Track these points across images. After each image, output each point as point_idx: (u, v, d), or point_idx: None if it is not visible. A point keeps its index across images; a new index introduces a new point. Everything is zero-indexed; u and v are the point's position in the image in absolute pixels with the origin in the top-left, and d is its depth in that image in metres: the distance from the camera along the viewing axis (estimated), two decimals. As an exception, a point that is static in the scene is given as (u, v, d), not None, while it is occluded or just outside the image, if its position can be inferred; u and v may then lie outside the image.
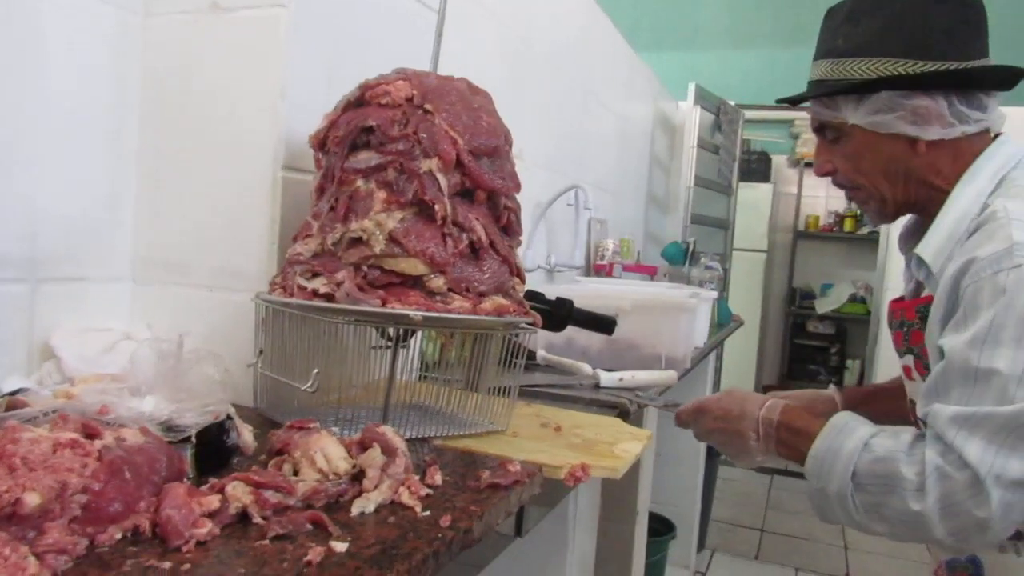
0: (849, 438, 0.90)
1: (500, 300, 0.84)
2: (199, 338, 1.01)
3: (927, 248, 0.94)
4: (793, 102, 1.06)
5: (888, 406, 1.19)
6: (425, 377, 1.15)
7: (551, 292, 1.75)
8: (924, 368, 0.97)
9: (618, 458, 0.90)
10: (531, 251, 2.12)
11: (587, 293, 1.70)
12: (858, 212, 5.32)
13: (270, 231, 0.97)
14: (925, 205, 0.99)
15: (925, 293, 0.98)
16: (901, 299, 1.07)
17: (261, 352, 0.90)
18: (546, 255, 2.28)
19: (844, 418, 0.94)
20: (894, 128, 0.95)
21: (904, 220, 1.09)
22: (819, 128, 1.03)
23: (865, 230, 5.23)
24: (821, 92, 0.99)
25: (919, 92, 0.93)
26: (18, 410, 0.64)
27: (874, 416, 0.98)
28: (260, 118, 0.97)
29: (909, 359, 1.02)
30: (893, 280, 3.93)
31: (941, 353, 0.87)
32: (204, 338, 1.01)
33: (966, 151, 0.96)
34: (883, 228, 4.11)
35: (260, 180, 0.97)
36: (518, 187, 0.90)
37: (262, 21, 0.96)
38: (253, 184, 0.98)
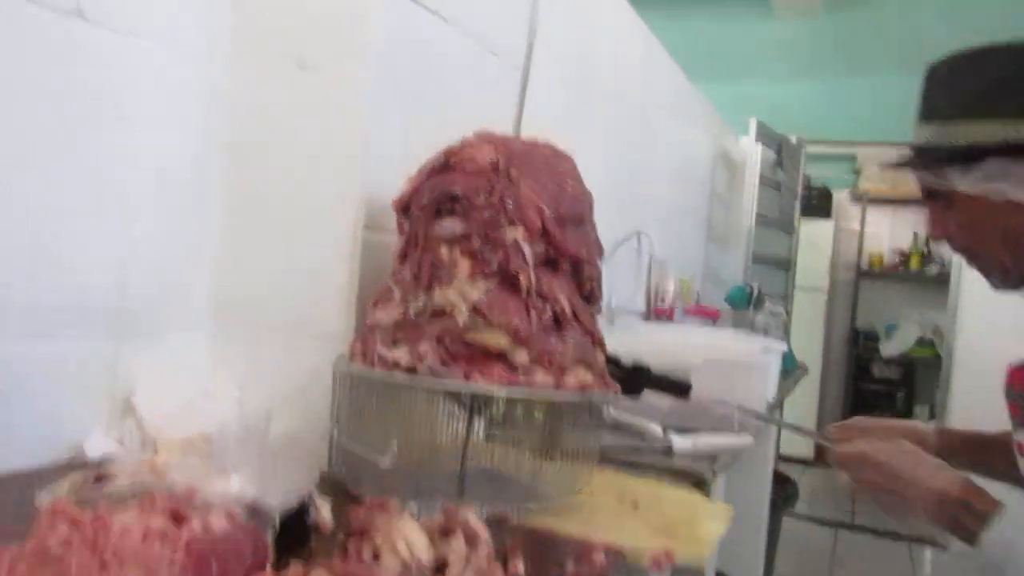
0: None
1: (583, 375, 0.81)
2: (273, 392, 1.01)
3: None
4: (898, 167, 1.00)
5: (989, 460, 1.10)
6: (490, 435, 1.12)
7: (617, 343, 1.71)
8: None
9: (701, 542, 0.85)
10: (593, 295, 2.08)
11: (655, 347, 1.65)
12: (924, 250, 5.14)
13: (349, 289, 0.97)
14: None
15: None
16: (1019, 367, 0.99)
17: (339, 418, 0.88)
18: (607, 298, 2.25)
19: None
20: (1008, 195, 0.88)
21: None
22: (928, 194, 0.97)
23: (933, 269, 5.04)
24: (925, 160, 0.93)
25: None
26: (106, 484, 0.64)
27: (973, 467, 0.93)
28: (341, 176, 0.97)
29: (1023, 435, 0.95)
30: (966, 322, 3.77)
31: None
32: (278, 392, 1.01)
33: None
34: (954, 267, 3.95)
35: (340, 238, 0.97)
36: (601, 253, 0.88)
37: (345, 81, 0.97)
38: (333, 241, 0.97)
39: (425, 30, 1.04)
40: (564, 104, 1.84)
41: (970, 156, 0.89)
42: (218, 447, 0.67)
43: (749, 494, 2.48)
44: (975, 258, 0.96)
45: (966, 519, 0.89)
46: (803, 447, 4.98)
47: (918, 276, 5.15)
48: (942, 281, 4.26)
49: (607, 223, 2.19)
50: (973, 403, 3.73)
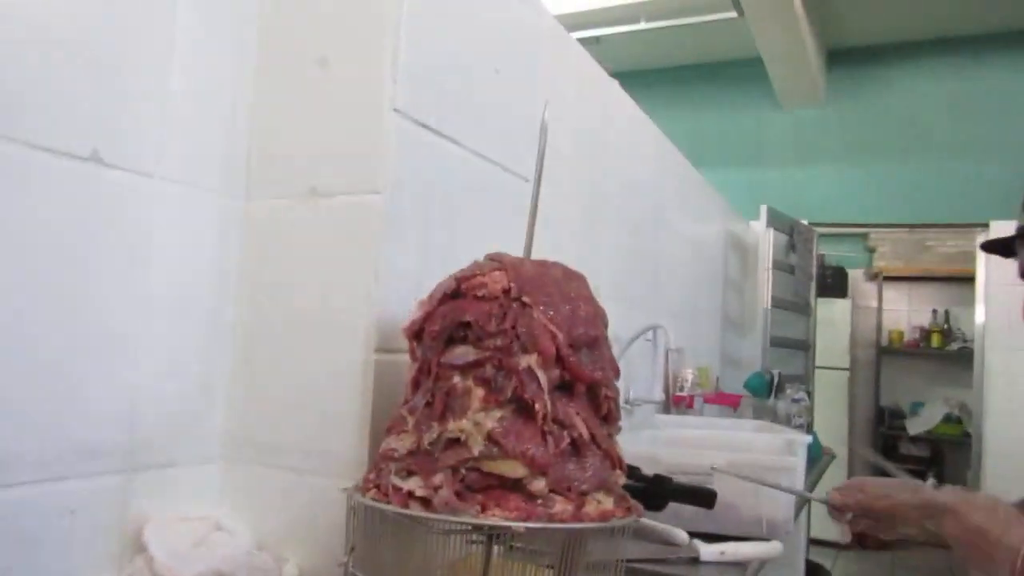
0: None
1: (603, 502, 0.79)
2: (286, 521, 1.00)
3: None
4: (995, 244, 1.09)
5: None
6: (511, 548, 1.09)
7: (636, 443, 1.68)
8: None
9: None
10: (610, 391, 2.06)
11: (674, 446, 1.62)
12: (944, 327, 5.08)
13: (361, 414, 0.96)
14: None
15: None
16: None
17: (353, 549, 0.86)
18: (625, 390, 2.22)
19: None
20: None
21: None
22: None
23: (954, 346, 4.97)
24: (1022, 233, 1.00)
25: None
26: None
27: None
28: (354, 301, 0.98)
29: None
30: (993, 401, 3.68)
31: None
32: (291, 521, 0.99)
33: None
34: (978, 344, 3.89)
35: (352, 362, 0.97)
36: (617, 373, 0.87)
37: (358, 207, 0.99)
38: (346, 366, 0.97)
39: (438, 154, 1.07)
40: (576, 205, 1.87)
41: None
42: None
43: (782, 595, 2.38)
44: None
45: None
46: (835, 531, 4.80)
47: (940, 353, 5.07)
48: (965, 357, 4.19)
49: (623, 316, 2.21)
50: (1005, 481, 3.60)
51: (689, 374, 2.67)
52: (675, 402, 2.65)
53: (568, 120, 1.82)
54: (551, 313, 0.80)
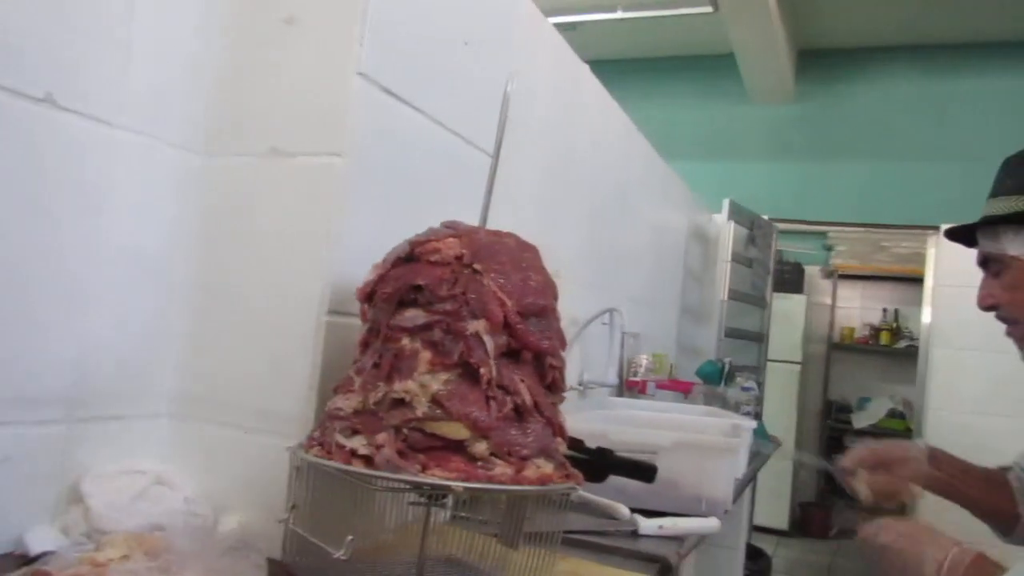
0: None
1: (543, 467, 0.81)
2: (233, 479, 1.00)
3: None
4: (958, 231, 1.12)
5: (977, 492, 1.21)
6: (456, 517, 1.11)
7: (588, 422, 1.71)
8: None
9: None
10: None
11: (623, 426, 1.65)
12: (894, 325, 5.23)
13: (311, 375, 0.97)
14: None
15: None
16: None
17: (294, 507, 0.87)
18: (579, 373, 2.25)
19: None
20: None
21: None
22: (983, 262, 1.09)
23: (902, 344, 5.12)
24: (986, 230, 1.05)
25: None
26: (45, 583, 0.62)
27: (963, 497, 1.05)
28: (310, 261, 0.98)
29: None
30: (935, 398, 3.81)
31: None
32: (238, 479, 1.00)
33: None
34: (923, 341, 4.02)
35: (305, 323, 0.97)
36: (564, 344, 0.89)
37: (318, 168, 0.99)
38: (297, 326, 0.98)
39: (399, 121, 1.07)
40: (541, 185, 1.89)
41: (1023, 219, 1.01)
42: (165, 544, 0.65)
43: (720, 569, 2.45)
44: (1015, 325, 1.06)
45: None
46: (778, 519, 4.94)
47: (888, 350, 5.23)
48: (911, 355, 4.32)
49: (582, 299, 2.24)
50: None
51: (644, 359, 2.72)
52: (629, 386, 2.70)
53: (538, 101, 1.83)
54: (502, 281, 0.82)
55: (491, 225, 0.94)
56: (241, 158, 1.03)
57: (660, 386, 2.68)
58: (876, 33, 4.75)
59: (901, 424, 4.97)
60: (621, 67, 5.02)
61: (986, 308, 1.09)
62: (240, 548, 0.68)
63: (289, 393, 0.97)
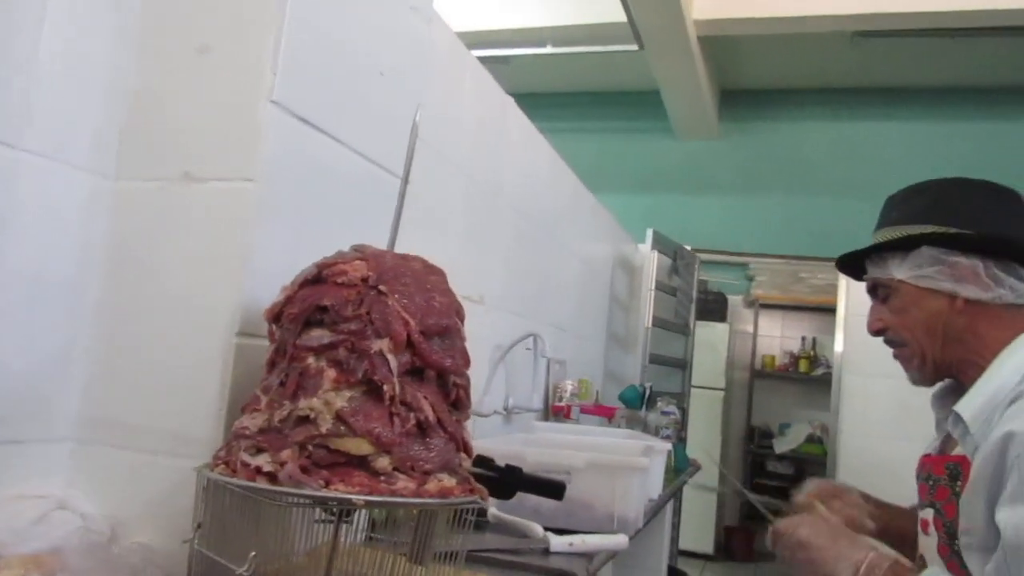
0: None
1: (445, 481, 0.84)
2: (139, 503, 0.99)
3: (968, 407, 1.00)
4: (847, 261, 1.18)
5: (900, 525, 1.23)
6: (372, 539, 1.12)
7: (507, 444, 1.74)
8: (943, 525, 1.01)
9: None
10: (488, 396, 2.12)
11: (540, 448, 1.69)
12: (812, 353, 5.46)
13: (220, 397, 0.97)
14: (961, 369, 1.07)
15: (956, 451, 1.03)
16: (929, 455, 1.13)
17: (199, 527, 0.87)
18: (504, 398, 2.29)
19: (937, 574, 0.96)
20: (935, 284, 1.06)
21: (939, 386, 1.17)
22: (872, 289, 1.15)
23: (819, 371, 5.34)
24: (874, 257, 1.13)
25: (957, 251, 1.05)
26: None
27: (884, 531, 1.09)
28: (220, 285, 0.99)
29: (929, 513, 1.06)
30: (848, 422, 3.99)
31: (990, 528, 0.89)
32: (145, 503, 0.99)
33: (1008, 323, 1.04)
34: (836, 368, 4.21)
35: (215, 345, 0.98)
36: (468, 363, 0.93)
37: (230, 193, 1.01)
38: (207, 349, 0.98)
39: (311, 146, 1.10)
40: (466, 214, 1.93)
41: (908, 246, 1.08)
42: (60, 563, 0.65)
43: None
44: (902, 348, 1.12)
45: None
46: (704, 543, 5.04)
47: (807, 378, 5.45)
48: (827, 382, 4.51)
49: (507, 324, 2.28)
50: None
51: (569, 385, 2.78)
52: (554, 412, 2.75)
53: (461, 131, 1.88)
54: (405, 302, 0.85)
55: (414, 252, 0.97)
56: (153, 183, 1.04)
57: (584, 411, 2.74)
58: (791, 76, 5.04)
59: (819, 449, 5.16)
60: (552, 100, 5.17)
61: (875, 333, 1.15)
62: (142, 570, 0.68)
63: (199, 415, 0.98)
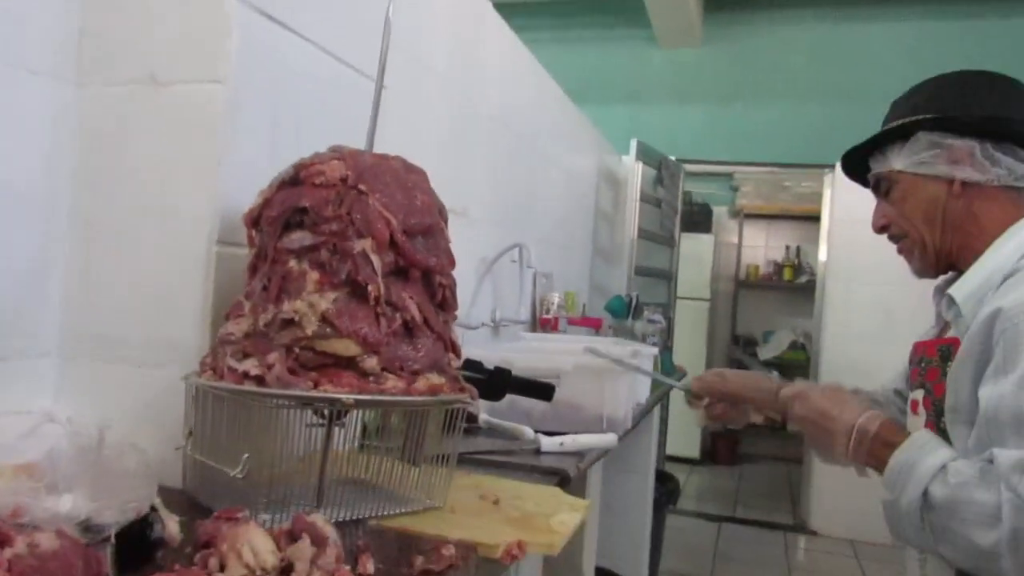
0: (928, 456, 0.92)
1: (434, 379, 0.84)
2: (129, 415, 0.99)
3: (960, 290, 1.01)
4: (853, 159, 1.17)
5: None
6: (365, 446, 1.14)
7: (495, 351, 1.76)
8: (931, 404, 1.03)
9: (555, 532, 0.89)
10: (476, 308, 2.13)
11: (529, 354, 1.71)
12: (796, 262, 5.50)
13: (203, 306, 0.96)
14: (961, 256, 1.07)
15: (950, 334, 1.04)
16: (923, 341, 1.14)
17: (191, 434, 0.88)
18: (492, 310, 2.30)
19: (926, 436, 0.96)
20: (932, 169, 1.06)
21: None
22: (875, 186, 1.15)
23: (803, 279, 5.40)
24: (871, 141, 1.12)
25: (952, 135, 1.05)
26: (-77, 509, 0.61)
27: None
28: (195, 192, 0.97)
29: (919, 393, 1.08)
30: (830, 329, 4.06)
31: (975, 402, 0.91)
32: (134, 415, 0.99)
33: (1006, 207, 1.04)
34: (819, 276, 4.25)
35: (194, 254, 0.96)
36: (452, 263, 0.92)
37: (199, 95, 0.97)
38: (187, 258, 0.97)
39: (282, 47, 1.05)
40: (446, 124, 1.88)
41: (905, 133, 1.08)
42: (49, 466, 0.65)
43: (631, 493, 2.58)
44: (904, 239, 1.12)
45: (882, 452, 0.98)
46: (690, 448, 5.21)
47: (791, 286, 5.51)
48: (811, 290, 4.57)
49: (492, 237, 2.26)
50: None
51: (556, 298, 2.79)
52: (541, 324, 2.77)
53: (440, 37, 1.81)
54: (386, 200, 0.83)
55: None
56: (118, 87, 1.00)
57: (572, 322, 2.76)
58: (777, -23, 4.87)
59: (802, 355, 5.28)
60: (531, 9, 4.99)
61: (879, 229, 1.15)
62: (135, 472, 0.68)
63: (183, 325, 0.97)
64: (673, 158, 4.12)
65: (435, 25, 1.79)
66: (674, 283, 4.20)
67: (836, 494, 3.82)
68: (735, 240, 5.65)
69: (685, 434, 4.95)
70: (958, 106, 1.06)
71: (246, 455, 0.79)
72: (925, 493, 0.90)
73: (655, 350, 2.00)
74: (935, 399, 1.01)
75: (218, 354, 0.84)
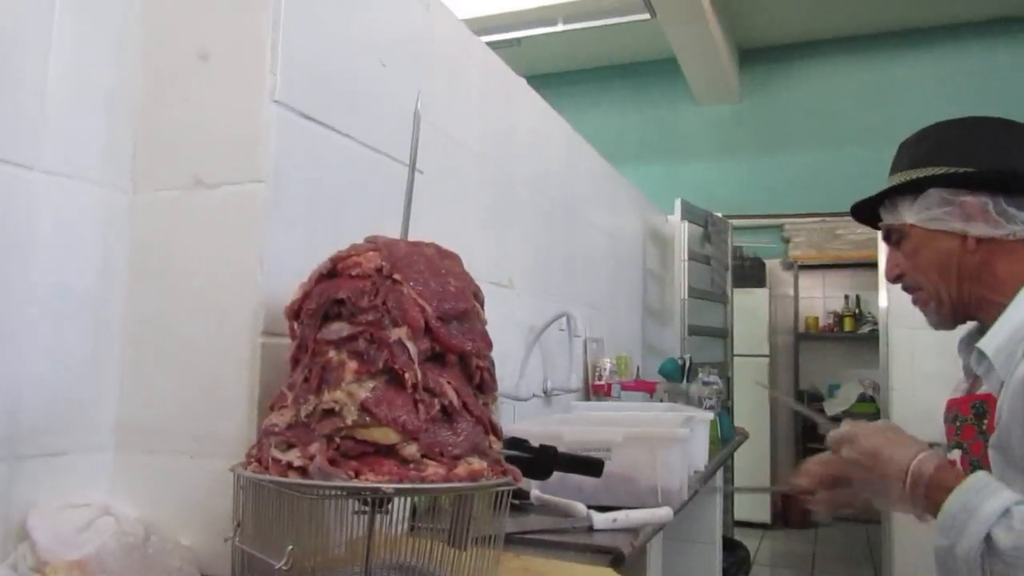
0: (990, 499, 0.87)
1: (474, 464, 0.84)
2: (180, 506, 1.01)
3: (990, 343, 0.98)
4: (862, 209, 1.18)
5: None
6: (415, 528, 1.13)
7: (545, 424, 1.74)
8: (968, 464, 0.99)
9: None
10: (525, 379, 2.12)
11: (576, 428, 1.69)
12: (856, 311, 5.34)
13: (250, 396, 0.99)
14: (981, 308, 1.05)
15: (982, 390, 1.00)
16: (955, 397, 1.11)
17: (239, 525, 0.89)
18: (543, 380, 2.28)
19: (985, 479, 0.91)
20: (944, 224, 1.05)
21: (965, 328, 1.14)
22: (887, 235, 1.15)
23: (866, 329, 5.23)
24: (881, 193, 1.12)
25: (964, 191, 1.03)
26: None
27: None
28: (240, 287, 1.00)
29: (956, 453, 1.04)
30: (898, 378, 3.89)
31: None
32: (185, 505, 1.01)
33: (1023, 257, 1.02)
34: (882, 324, 4.11)
35: (241, 347, 0.99)
36: (489, 345, 0.92)
37: (242, 196, 1.02)
38: (233, 351, 1.00)
39: (319, 143, 1.10)
40: (487, 201, 1.92)
41: (918, 189, 1.07)
42: (98, 566, 0.67)
43: (697, 566, 2.48)
44: (919, 291, 1.12)
45: (937, 495, 0.93)
46: (760, 512, 4.99)
47: (853, 336, 5.33)
48: (875, 339, 4.40)
49: (537, 306, 2.27)
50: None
51: (607, 363, 2.76)
52: (594, 390, 2.73)
53: (473, 117, 1.87)
54: (420, 288, 0.85)
55: (431, 239, 0.97)
56: (167, 192, 1.06)
57: (625, 387, 2.72)
58: (812, 26, 4.90)
59: (872, 407, 5.06)
60: (568, 78, 5.12)
61: (894, 280, 1.14)
62: (178, 569, 0.69)
63: (230, 416, 0.99)
64: (719, 214, 4.09)
65: (467, 102, 1.85)
66: (730, 340, 4.11)
67: (922, 553, 3.58)
68: (791, 292, 5.53)
69: (753, 497, 4.77)
70: (970, 157, 1.05)
71: (290, 547, 0.79)
72: (987, 538, 0.84)
73: (710, 415, 1.95)
74: (972, 459, 0.97)
75: (263, 445, 0.86)
